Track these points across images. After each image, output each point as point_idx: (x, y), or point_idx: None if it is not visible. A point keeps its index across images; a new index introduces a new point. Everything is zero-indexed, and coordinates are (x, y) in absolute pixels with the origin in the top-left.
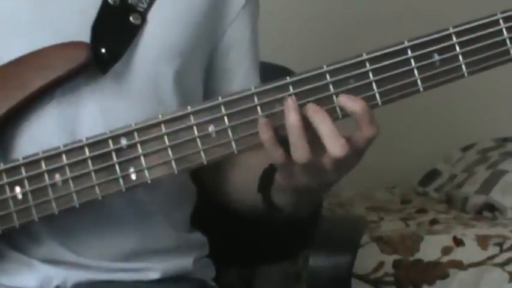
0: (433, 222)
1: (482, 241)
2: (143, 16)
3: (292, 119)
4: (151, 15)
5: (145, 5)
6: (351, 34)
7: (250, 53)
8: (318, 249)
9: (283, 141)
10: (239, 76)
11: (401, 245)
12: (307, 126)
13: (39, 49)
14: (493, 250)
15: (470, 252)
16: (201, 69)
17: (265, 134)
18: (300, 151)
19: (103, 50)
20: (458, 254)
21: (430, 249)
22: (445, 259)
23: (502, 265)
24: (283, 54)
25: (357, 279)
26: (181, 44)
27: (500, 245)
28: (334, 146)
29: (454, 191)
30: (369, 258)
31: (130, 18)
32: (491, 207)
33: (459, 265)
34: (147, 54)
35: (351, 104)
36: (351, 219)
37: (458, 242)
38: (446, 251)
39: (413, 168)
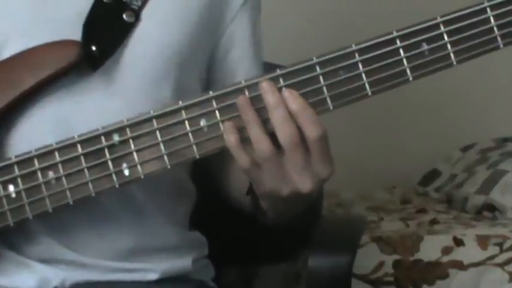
0: (433, 222)
1: (482, 241)
2: (137, 14)
3: (247, 116)
4: (146, 14)
5: (139, 3)
6: (350, 34)
7: (251, 51)
8: (317, 249)
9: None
10: (240, 75)
11: (401, 245)
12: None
13: (30, 48)
14: (493, 250)
15: (470, 252)
16: (200, 69)
17: (230, 136)
18: (260, 145)
19: (94, 48)
20: (458, 254)
21: (430, 249)
22: (445, 259)
23: (502, 265)
24: (281, 54)
25: (357, 279)
26: (179, 44)
27: (500, 245)
28: (284, 132)
29: (454, 191)
30: (369, 258)
31: (124, 16)
32: (491, 207)
33: (459, 265)
34: (141, 53)
35: (290, 101)
36: (350, 219)
37: (458, 242)
38: (446, 251)
39: (413, 168)
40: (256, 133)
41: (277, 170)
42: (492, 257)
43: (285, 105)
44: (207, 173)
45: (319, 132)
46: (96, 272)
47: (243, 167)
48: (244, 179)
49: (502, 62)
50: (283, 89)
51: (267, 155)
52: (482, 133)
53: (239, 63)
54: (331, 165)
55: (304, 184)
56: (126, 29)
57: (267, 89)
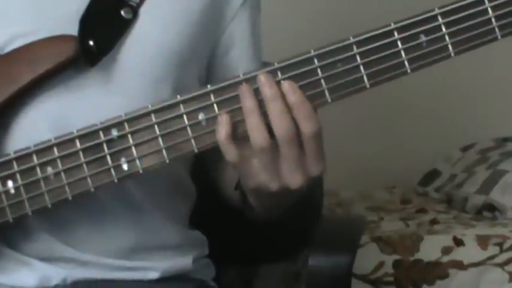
0: (433, 222)
1: (482, 241)
2: (135, 11)
3: (248, 103)
4: (145, 11)
5: (137, 0)
6: (350, 34)
7: (250, 51)
8: (317, 249)
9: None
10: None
11: (401, 245)
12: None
13: (27, 43)
14: (493, 250)
15: (470, 252)
16: (200, 67)
17: (221, 132)
18: (258, 134)
19: (91, 43)
20: (458, 254)
21: (430, 249)
22: (445, 259)
23: (502, 265)
24: (281, 54)
25: (357, 279)
26: (179, 45)
27: (500, 245)
28: (280, 125)
29: (454, 191)
30: (369, 258)
31: (122, 12)
32: (491, 207)
33: (459, 265)
34: (140, 53)
35: (290, 93)
36: (350, 219)
37: (458, 242)
38: (446, 251)
39: (413, 168)
40: (253, 122)
41: (269, 163)
42: (492, 257)
43: (282, 98)
44: (205, 169)
45: (314, 128)
46: (96, 270)
47: (231, 161)
48: (236, 175)
49: (502, 62)
50: (283, 81)
51: (263, 145)
52: (482, 133)
53: (238, 62)
54: (323, 163)
55: (294, 180)
56: (124, 25)
57: (264, 82)
